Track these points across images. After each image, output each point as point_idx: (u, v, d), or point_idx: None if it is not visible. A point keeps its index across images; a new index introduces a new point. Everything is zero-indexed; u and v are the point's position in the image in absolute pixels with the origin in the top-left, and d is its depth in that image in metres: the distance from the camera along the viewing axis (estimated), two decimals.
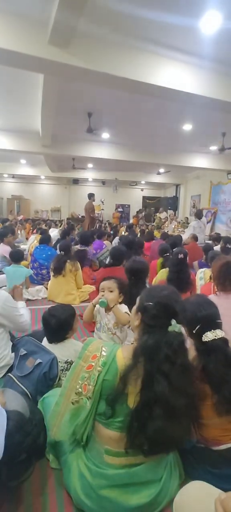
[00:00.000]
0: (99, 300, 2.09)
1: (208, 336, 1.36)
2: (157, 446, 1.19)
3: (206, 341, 1.36)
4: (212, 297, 2.15)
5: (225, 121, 6.21)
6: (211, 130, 7.28)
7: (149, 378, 1.15)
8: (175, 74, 4.08)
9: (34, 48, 3.35)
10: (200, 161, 9.87)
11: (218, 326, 1.40)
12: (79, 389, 1.24)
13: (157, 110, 5.90)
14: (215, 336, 1.36)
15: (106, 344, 1.32)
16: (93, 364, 1.24)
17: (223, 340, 1.38)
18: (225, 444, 1.34)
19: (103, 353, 1.26)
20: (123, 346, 1.36)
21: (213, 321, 1.41)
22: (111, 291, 2.17)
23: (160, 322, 1.20)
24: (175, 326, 1.18)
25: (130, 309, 2.24)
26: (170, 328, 1.18)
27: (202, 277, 3.67)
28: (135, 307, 1.37)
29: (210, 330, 1.37)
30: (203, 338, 1.37)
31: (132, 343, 1.36)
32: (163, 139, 8.34)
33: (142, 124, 7.03)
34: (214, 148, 8.40)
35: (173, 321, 1.19)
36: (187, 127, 7.09)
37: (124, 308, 2.20)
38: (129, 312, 2.14)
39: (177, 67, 4.08)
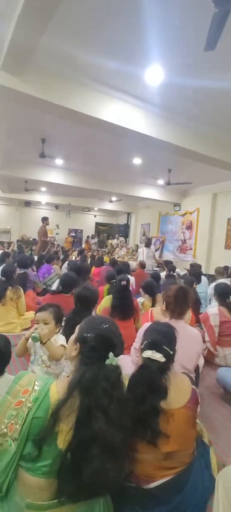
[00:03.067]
0: (32, 335, 2.01)
1: (147, 353, 1.43)
2: (91, 490, 1.08)
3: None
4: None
5: (171, 159, 6.75)
6: (158, 166, 7.82)
7: (85, 414, 1.08)
8: (123, 113, 4.38)
9: None
10: (149, 193, 10.47)
11: (160, 351, 1.43)
12: (4, 430, 1.09)
13: (108, 142, 6.18)
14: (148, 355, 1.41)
15: (40, 378, 1.23)
16: (23, 399, 1.12)
17: (157, 364, 1.40)
18: (156, 482, 1.32)
19: (36, 387, 1.16)
20: (58, 379, 1.26)
21: (156, 345, 1.44)
22: (46, 323, 2.13)
23: (98, 355, 1.18)
24: (112, 360, 1.17)
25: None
26: (108, 361, 1.16)
27: (141, 308, 3.83)
28: (73, 337, 1.34)
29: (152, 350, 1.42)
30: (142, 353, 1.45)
31: (68, 376, 1.30)
32: (115, 169, 8.71)
33: (95, 154, 7.28)
34: (161, 181, 9.01)
35: (111, 354, 1.17)
36: (137, 161, 7.54)
37: (60, 339, 2.17)
38: (65, 344, 2.09)
39: (125, 107, 4.39)
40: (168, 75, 3.65)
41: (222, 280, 5.49)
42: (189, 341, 2.12)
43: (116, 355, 1.19)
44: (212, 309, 3.67)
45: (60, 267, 7.00)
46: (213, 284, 4.80)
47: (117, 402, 1.12)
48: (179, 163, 6.95)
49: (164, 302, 2.35)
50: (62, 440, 1.06)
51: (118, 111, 4.32)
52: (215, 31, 2.24)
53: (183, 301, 2.22)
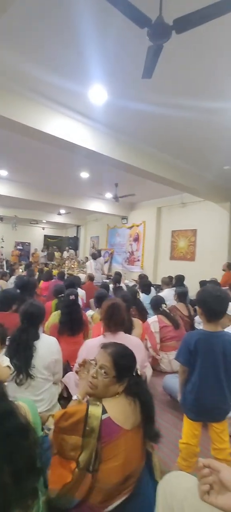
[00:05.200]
0: None
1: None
2: None
3: None
4: (100, 339, 2.26)
5: (117, 174, 6.96)
6: (106, 180, 8.01)
7: None
8: (69, 128, 4.43)
9: None
10: (97, 206, 10.62)
11: None
12: None
13: (55, 155, 6.12)
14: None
15: None
16: None
17: None
18: (111, 505, 1.25)
19: None
20: None
21: None
22: None
23: None
24: None
25: (17, 357, 2.13)
26: None
27: (90, 321, 3.85)
28: None
29: None
30: None
31: None
32: (63, 182, 8.66)
33: (42, 166, 7.16)
34: (109, 195, 9.22)
35: None
36: (84, 175, 7.61)
37: (5, 360, 2.07)
38: (10, 365, 2.02)
39: (71, 123, 4.45)
40: (111, 96, 3.81)
41: (167, 290, 5.83)
42: (133, 349, 2.18)
43: None
44: (152, 318, 3.95)
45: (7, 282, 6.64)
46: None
47: None
48: (125, 178, 7.20)
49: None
50: None
51: (63, 126, 4.35)
52: (150, 62, 2.42)
53: (112, 316, 2.21)
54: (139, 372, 1.50)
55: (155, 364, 3.75)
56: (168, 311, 4.02)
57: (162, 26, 2.17)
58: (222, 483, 0.85)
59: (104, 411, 1.29)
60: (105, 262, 11.83)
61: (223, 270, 7.07)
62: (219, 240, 7.85)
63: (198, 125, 4.43)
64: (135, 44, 2.79)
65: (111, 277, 8.81)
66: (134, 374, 1.48)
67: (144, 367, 2.40)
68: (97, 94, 3.78)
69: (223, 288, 6.16)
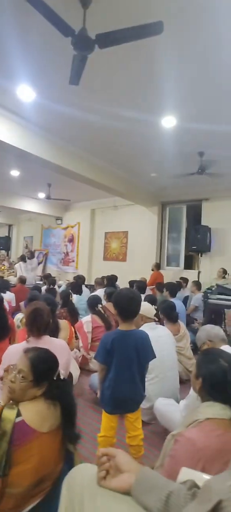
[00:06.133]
0: None
1: None
2: None
3: None
4: (23, 344, 2.21)
5: (50, 174, 6.85)
6: (38, 180, 7.78)
7: None
8: None
9: None
10: (30, 205, 10.23)
11: None
12: None
13: None
14: None
15: None
16: None
17: None
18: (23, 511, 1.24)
19: None
20: None
21: None
22: None
23: None
24: None
25: None
26: None
27: (19, 325, 3.74)
28: None
29: None
30: None
31: None
32: None
33: None
34: (42, 195, 8.99)
35: None
36: (15, 173, 7.28)
37: None
38: None
39: None
40: (39, 96, 3.77)
41: (100, 290, 5.97)
42: (57, 352, 2.21)
43: None
44: (86, 317, 4.04)
45: None
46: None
47: None
48: (58, 178, 7.12)
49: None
50: None
51: None
52: (76, 69, 2.49)
53: (34, 321, 2.14)
54: (61, 376, 1.53)
55: (84, 363, 3.83)
56: (102, 311, 4.10)
57: (85, 38, 2.26)
58: (117, 467, 0.96)
59: (19, 414, 1.29)
60: (40, 263, 11.50)
61: (152, 270, 7.59)
62: (148, 241, 8.38)
63: (127, 134, 4.68)
64: (60, 50, 2.81)
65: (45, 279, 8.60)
66: (55, 378, 1.50)
67: (68, 368, 2.44)
68: (25, 92, 3.69)
69: (150, 286, 6.65)
